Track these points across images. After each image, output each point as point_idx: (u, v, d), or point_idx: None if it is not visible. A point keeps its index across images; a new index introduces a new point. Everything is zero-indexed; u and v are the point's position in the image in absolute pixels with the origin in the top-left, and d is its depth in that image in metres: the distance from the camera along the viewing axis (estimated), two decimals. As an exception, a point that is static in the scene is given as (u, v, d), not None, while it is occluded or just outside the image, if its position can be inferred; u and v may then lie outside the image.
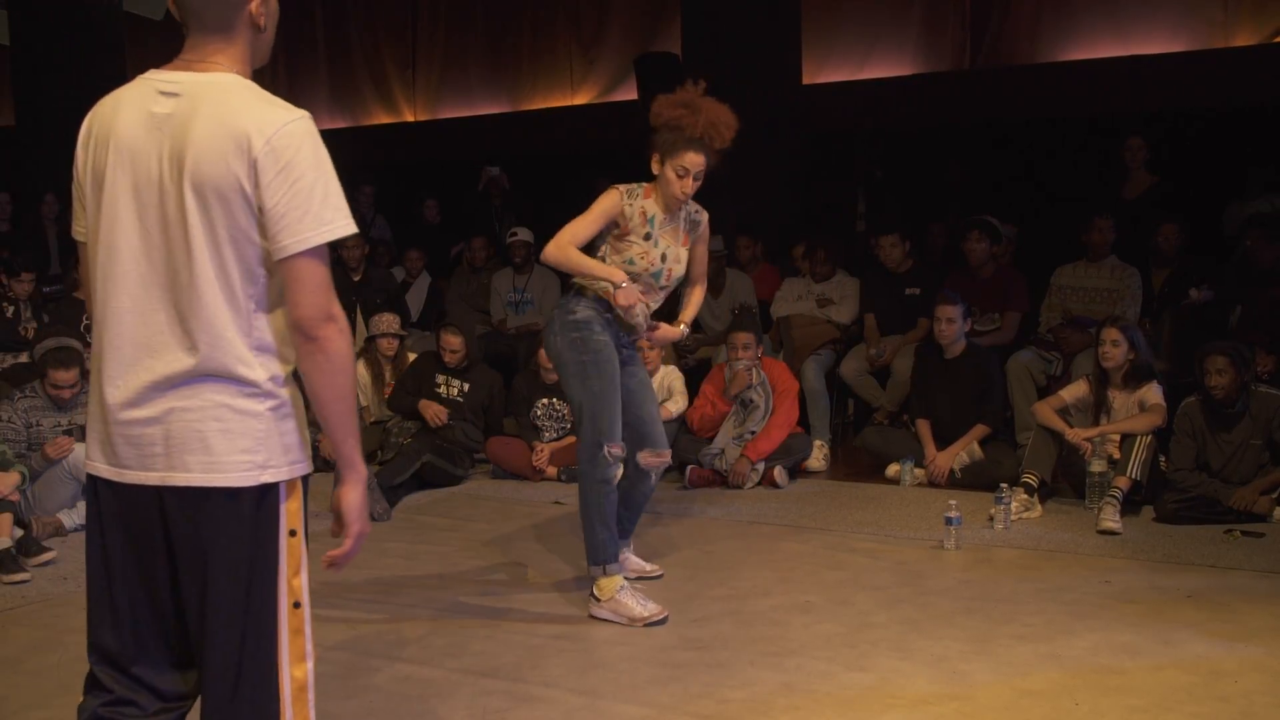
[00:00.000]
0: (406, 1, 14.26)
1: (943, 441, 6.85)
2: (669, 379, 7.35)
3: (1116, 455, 6.03)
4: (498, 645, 4.28)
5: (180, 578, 2.29)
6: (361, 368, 7.88)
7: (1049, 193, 9.44)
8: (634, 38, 12.81)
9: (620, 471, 4.59)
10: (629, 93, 12.02)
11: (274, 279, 2.25)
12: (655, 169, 4.60)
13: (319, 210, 2.19)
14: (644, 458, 4.71)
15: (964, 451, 6.77)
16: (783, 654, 4.11)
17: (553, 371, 7.35)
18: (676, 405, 7.20)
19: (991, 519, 5.82)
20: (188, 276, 2.20)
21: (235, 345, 2.22)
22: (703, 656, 4.11)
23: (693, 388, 7.35)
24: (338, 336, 2.23)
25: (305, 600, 2.32)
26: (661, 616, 4.47)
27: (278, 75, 14.67)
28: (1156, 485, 5.99)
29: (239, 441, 2.23)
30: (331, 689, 3.88)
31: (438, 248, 10.70)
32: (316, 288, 2.21)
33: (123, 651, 2.33)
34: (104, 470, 2.30)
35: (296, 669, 2.31)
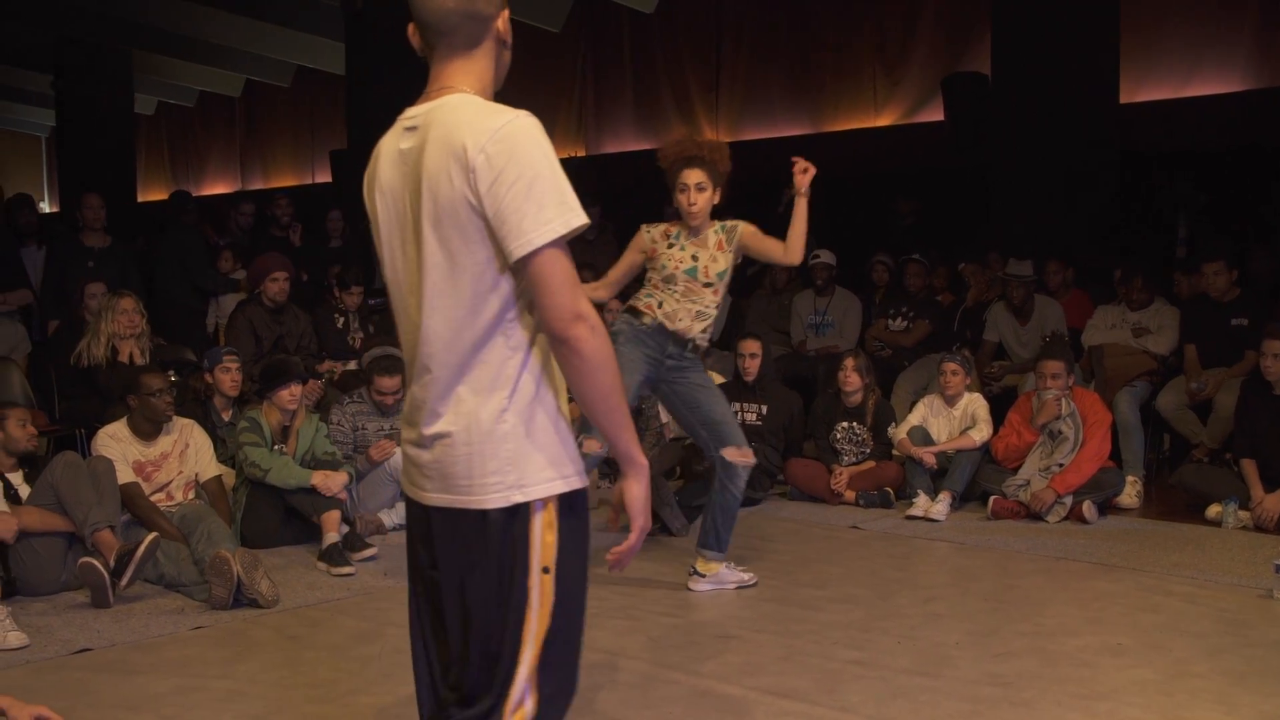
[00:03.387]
0: (711, 23, 14.47)
1: (1271, 483, 6.41)
2: (973, 406, 7.18)
3: None
4: (794, 666, 4.27)
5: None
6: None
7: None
8: (941, 57, 12.58)
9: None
10: (935, 114, 11.82)
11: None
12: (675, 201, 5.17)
13: (537, 209, 2.10)
14: (729, 454, 5.13)
15: (1296, 494, 6.32)
16: (1092, 697, 3.94)
17: (854, 394, 7.32)
18: (980, 433, 7.01)
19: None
20: (427, 306, 2.20)
21: (482, 366, 2.19)
22: (1007, 694, 3.98)
23: (998, 416, 7.14)
24: (589, 335, 2.13)
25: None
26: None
27: (584, 98, 15.16)
28: None
29: (488, 463, 2.21)
30: (630, 698, 3.97)
31: (739, 268, 10.78)
32: (558, 288, 2.12)
33: None
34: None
35: None
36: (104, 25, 16.44)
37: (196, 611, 5.05)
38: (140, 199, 18.90)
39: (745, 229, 5.28)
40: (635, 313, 5.15)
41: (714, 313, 5.20)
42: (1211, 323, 7.56)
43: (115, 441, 5.74)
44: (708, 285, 5.16)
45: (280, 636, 4.71)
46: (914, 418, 7.29)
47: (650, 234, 5.26)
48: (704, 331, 5.18)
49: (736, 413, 7.46)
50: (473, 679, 2.27)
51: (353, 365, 8.09)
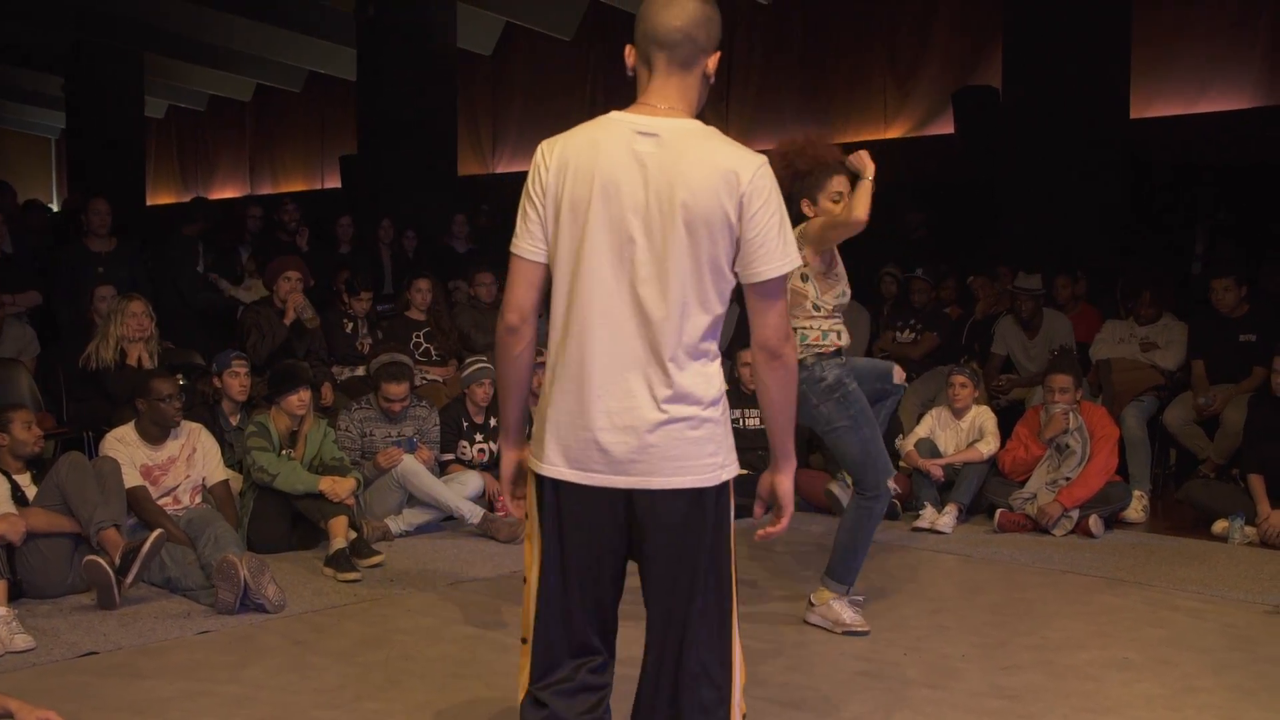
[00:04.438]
0: (723, 34, 14.43)
1: (1278, 500, 6.40)
2: (981, 419, 7.18)
3: None
4: (802, 677, 4.27)
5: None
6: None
7: None
8: (952, 70, 12.61)
9: None
10: (945, 127, 11.84)
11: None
12: (809, 211, 4.76)
13: (785, 243, 2.49)
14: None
15: (1303, 511, 6.31)
16: (1099, 711, 3.93)
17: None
18: (988, 446, 7.01)
19: (1334, 586, 5.40)
20: (667, 297, 2.44)
21: (697, 366, 2.49)
22: (1013, 706, 3.98)
23: (1005, 429, 7.14)
24: (793, 353, 2.54)
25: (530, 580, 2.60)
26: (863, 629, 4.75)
27: (595, 106, 15.19)
28: None
29: (705, 446, 2.50)
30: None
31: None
32: (783, 310, 2.51)
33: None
34: (570, 474, 2.51)
35: None
36: (115, 28, 16.50)
37: (203, 616, 5.05)
38: (149, 202, 18.96)
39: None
40: (828, 355, 4.69)
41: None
42: (1219, 338, 7.56)
43: (123, 445, 5.75)
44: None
45: (287, 642, 4.71)
46: (921, 430, 7.29)
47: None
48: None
49: (738, 419, 7.47)
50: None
51: (360, 371, 8.09)
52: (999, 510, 6.78)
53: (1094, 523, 6.55)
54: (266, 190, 19.70)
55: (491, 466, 7.06)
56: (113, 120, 17.20)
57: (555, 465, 2.50)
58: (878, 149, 13.71)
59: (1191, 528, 6.80)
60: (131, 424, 5.87)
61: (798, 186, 4.74)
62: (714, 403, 2.52)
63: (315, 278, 8.42)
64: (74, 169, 17.84)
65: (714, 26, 2.57)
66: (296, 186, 19.28)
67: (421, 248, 11.11)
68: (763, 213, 2.44)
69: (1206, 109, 10.95)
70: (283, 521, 6.15)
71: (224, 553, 5.16)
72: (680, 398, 2.47)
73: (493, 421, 7.14)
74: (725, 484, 2.55)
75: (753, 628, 4.88)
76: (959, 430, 7.23)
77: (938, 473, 6.99)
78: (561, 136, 2.55)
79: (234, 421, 6.71)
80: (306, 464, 6.20)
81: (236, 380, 6.69)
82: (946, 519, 6.74)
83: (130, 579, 5.08)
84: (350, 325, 8.43)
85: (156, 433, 5.84)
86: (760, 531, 2.69)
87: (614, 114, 2.54)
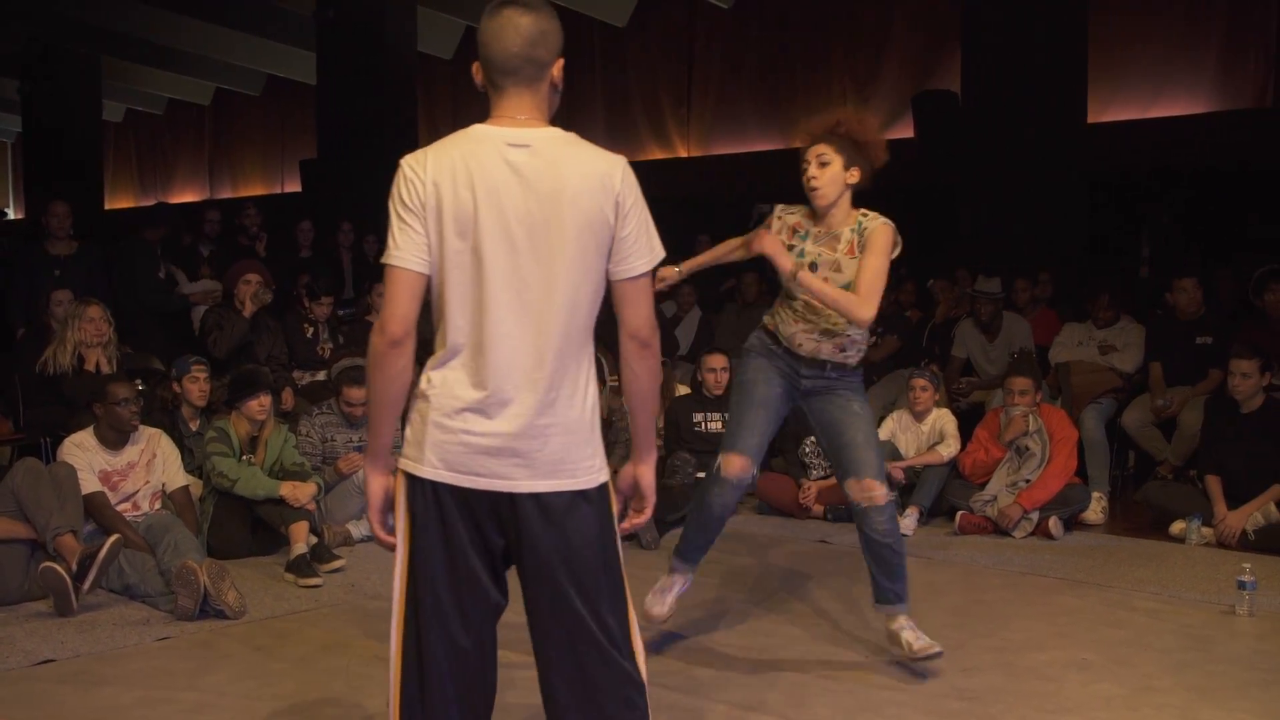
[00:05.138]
0: (683, 38, 14.53)
1: (1234, 500, 6.47)
2: (941, 421, 7.22)
3: None
4: (762, 681, 4.27)
5: None
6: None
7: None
8: (911, 75, 12.69)
9: (732, 490, 4.43)
10: (905, 130, 11.90)
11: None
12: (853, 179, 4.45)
13: (651, 238, 2.62)
14: (849, 487, 4.36)
15: (1259, 512, 6.38)
16: (1058, 711, 3.96)
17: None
18: (948, 449, 7.05)
19: (1289, 585, 5.47)
20: (552, 300, 2.51)
21: (578, 364, 2.57)
22: (973, 708, 4.00)
23: (966, 431, 7.19)
24: (658, 341, 2.65)
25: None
26: (656, 619, 4.58)
27: (556, 111, 15.16)
28: None
29: (586, 449, 2.57)
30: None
31: (709, 283, 10.81)
32: (650, 301, 2.65)
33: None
34: (450, 477, 2.52)
35: None
36: (72, 30, 16.33)
37: (162, 622, 5.01)
38: (108, 206, 18.79)
39: (878, 237, 4.41)
40: (766, 331, 4.55)
41: (854, 338, 4.39)
42: (1177, 341, 7.65)
43: (81, 450, 5.69)
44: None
45: (247, 648, 4.68)
46: (882, 433, 7.32)
47: (776, 221, 4.46)
48: (845, 350, 4.40)
49: (700, 424, 7.48)
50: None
51: (321, 376, 8.05)
52: (959, 512, 6.82)
53: (1054, 524, 6.60)
54: (226, 194, 19.57)
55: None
56: (70, 124, 17.03)
57: (437, 469, 2.51)
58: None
59: (1149, 529, 6.87)
60: (90, 429, 5.82)
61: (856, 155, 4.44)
62: (594, 406, 2.60)
63: (275, 282, 8.36)
64: (30, 173, 17.65)
65: (551, 38, 2.62)
66: (256, 190, 19.16)
67: (382, 252, 11.05)
68: (634, 211, 2.58)
69: (1160, 114, 11.07)
70: (243, 527, 6.11)
71: (184, 558, 5.12)
72: (567, 400, 2.54)
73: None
74: (605, 484, 2.61)
75: (715, 633, 4.89)
76: (919, 433, 7.28)
77: (898, 475, 7.02)
78: (429, 150, 2.57)
79: (194, 427, 6.66)
80: (267, 469, 6.16)
81: (196, 385, 6.64)
82: (907, 521, 6.77)
83: (87, 585, 5.03)
84: (311, 330, 8.38)
85: (115, 438, 5.79)
86: (624, 524, 2.73)
87: (477, 127, 2.59)
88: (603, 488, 2.59)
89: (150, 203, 14.13)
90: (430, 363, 2.56)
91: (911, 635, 4.35)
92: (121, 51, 17.33)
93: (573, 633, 2.53)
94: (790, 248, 4.36)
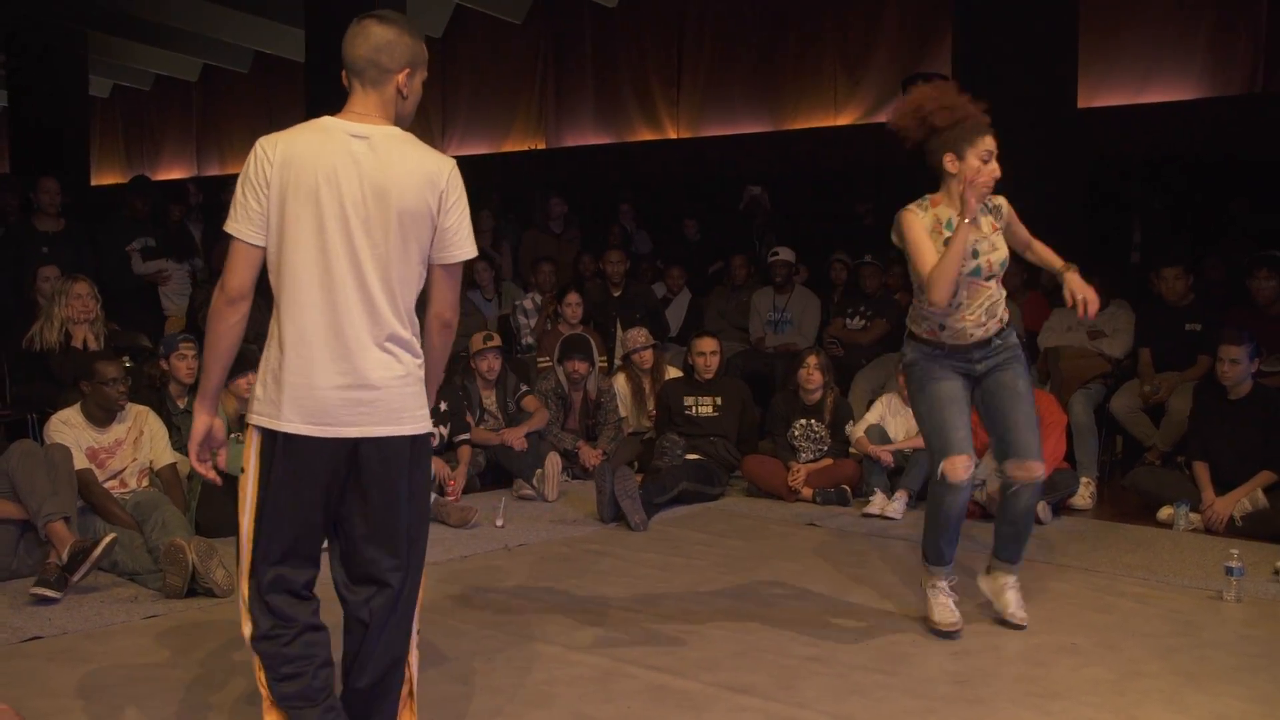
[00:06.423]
0: (673, 18, 14.46)
1: (1222, 486, 6.49)
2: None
3: None
4: (751, 663, 4.28)
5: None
6: (621, 381, 8.05)
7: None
8: (901, 58, 12.66)
9: (970, 483, 4.59)
10: (895, 114, 11.87)
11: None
12: (953, 167, 4.50)
13: (469, 233, 3.07)
14: (1008, 467, 4.62)
15: (1246, 498, 6.40)
16: (1046, 696, 3.97)
17: (815, 392, 7.38)
18: (937, 433, 7.05)
19: (1278, 572, 5.48)
20: (376, 278, 2.90)
21: (402, 333, 2.96)
22: (962, 691, 4.01)
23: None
24: (457, 322, 3.17)
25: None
26: (952, 630, 4.56)
27: (545, 90, 15.13)
28: None
29: (417, 400, 3.02)
30: (589, 692, 3.97)
31: (698, 264, 10.80)
32: (457, 288, 3.13)
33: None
34: (303, 428, 2.93)
35: None
36: (58, 5, 16.18)
37: (150, 600, 5.00)
38: (94, 182, 18.66)
39: (1009, 208, 4.69)
40: (921, 340, 4.62)
41: (1002, 297, 4.62)
42: (1166, 327, 7.66)
43: (68, 427, 5.67)
44: (991, 278, 4.56)
45: (234, 625, 4.64)
46: (872, 416, 7.33)
47: (921, 219, 4.56)
48: (1003, 320, 4.61)
49: (690, 407, 7.48)
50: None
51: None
52: (948, 496, 6.82)
53: (1042, 509, 6.60)
54: (214, 171, 19.45)
55: (443, 450, 7.05)
56: (56, 99, 16.88)
57: (291, 421, 2.90)
58: (828, 136, 13.82)
59: (1137, 514, 6.89)
60: (77, 406, 5.79)
61: (936, 141, 4.51)
62: (419, 365, 3.02)
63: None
64: (16, 148, 17.52)
65: (399, 50, 2.99)
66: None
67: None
68: (457, 206, 3.01)
69: (1151, 100, 11.07)
70: (231, 505, 6.06)
71: (171, 537, 5.10)
72: (396, 358, 2.95)
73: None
74: (429, 434, 3.08)
75: (703, 614, 4.90)
76: (909, 417, 7.27)
77: (888, 459, 7.03)
78: (282, 134, 2.95)
79: (181, 405, 6.62)
80: (255, 448, 6.13)
81: (184, 363, 6.60)
82: (896, 505, 6.78)
83: (77, 578, 4.99)
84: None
85: (102, 415, 5.76)
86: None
87: (327, 118, 2.97)
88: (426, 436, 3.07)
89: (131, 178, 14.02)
90: (273, 329, 2.93)
91: (1015, 597, 4.73)
92: (108, 27, 17.18)
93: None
94: (947, 242, 4.45)
